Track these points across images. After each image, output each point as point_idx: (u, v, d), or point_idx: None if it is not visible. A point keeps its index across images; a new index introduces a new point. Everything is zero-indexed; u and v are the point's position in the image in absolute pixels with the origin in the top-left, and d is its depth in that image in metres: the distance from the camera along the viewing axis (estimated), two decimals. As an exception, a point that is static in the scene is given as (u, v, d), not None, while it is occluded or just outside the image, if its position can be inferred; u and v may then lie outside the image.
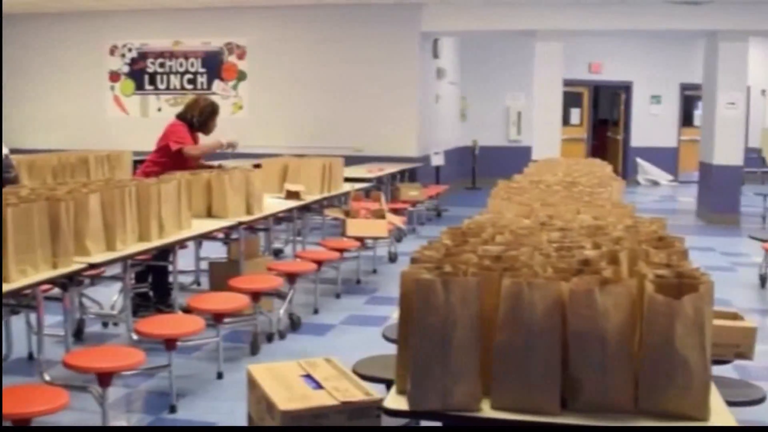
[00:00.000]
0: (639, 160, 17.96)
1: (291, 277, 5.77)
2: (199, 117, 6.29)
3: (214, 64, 12.90)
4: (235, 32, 12.80)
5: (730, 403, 3.10)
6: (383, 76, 12.36)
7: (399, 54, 12.35)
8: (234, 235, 5.90)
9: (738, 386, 3.55)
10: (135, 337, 4.52)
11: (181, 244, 5.39)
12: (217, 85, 12.89)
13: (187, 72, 13.01)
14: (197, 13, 12.60)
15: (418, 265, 2.26)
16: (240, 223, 5.58)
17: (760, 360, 5.18)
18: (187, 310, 4.90)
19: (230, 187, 5.55)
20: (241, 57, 12.84)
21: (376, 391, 2.64)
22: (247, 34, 12.80)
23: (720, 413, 2.03)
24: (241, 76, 12.83)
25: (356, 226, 7.12)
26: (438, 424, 2.17)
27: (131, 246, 4.42)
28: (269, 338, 5.50)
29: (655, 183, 17.80)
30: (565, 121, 15.07)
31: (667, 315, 1.95)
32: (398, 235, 8.89)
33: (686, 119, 18.16)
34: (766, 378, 4.93)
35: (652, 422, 1.99)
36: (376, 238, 7.62)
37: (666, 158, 17.94)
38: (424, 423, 2.48)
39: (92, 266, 4.11)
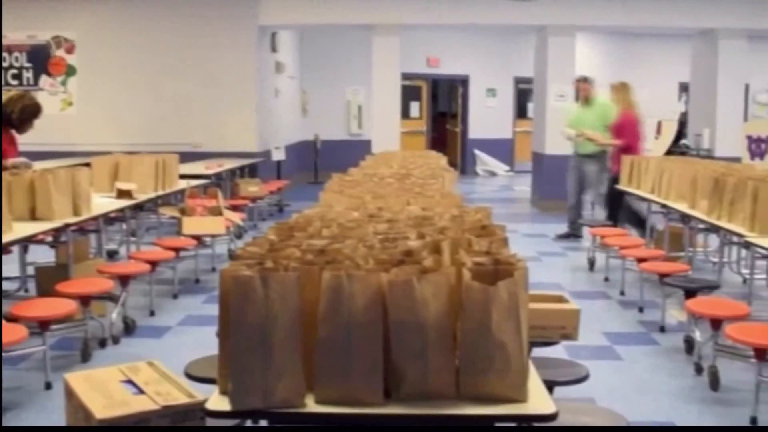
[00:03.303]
0: (477, 152, 18.49)
1: (123, 279, 5.57)
2: (20, 115, 5.99)
3: (40, 59, 12.30)
4: (63, 25, 12.25)
5: (557, 383, 3.23)
6: (221, 71, 12.17)
7: (236, 48, 12.19)
8: (62, 238, 5.63)
9: (564, 366, 3.68)
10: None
11: (5, 249, 5.08)
12: (44, 80, 12.31)
13: (11, 67, 12.35)
14: (22, 5, 11.94)
15: (239, 262, 2.21)
16: (67, 225, 5.32)
17: (590, 339, 5.47)
18: (11, 319, 4.64)
19: (55, 187, 5.26)
20: (69, 51, 12.32)
21: (206, 392, 2.57)
22: (76, 27, 12.28)
23: (538, 394, 2.08)
24: (70, 71, 12.31)
25: (192, 224, 6.96)
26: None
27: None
28: (102, 344, 5.29)
29: (493, 173, 18.37)
30: (405, 114, 15.30)
31: (483, 301, 1.99)
32: (238, 232, 8.76)
33: (520, 111, 18.84)
34: (593, 357, 5.18)
35: (473, 407, 2.01)
36: (213, 236, 7.48)
37: (502, 149, 18.57)
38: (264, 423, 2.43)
39: None
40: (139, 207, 6.79)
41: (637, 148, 8.92)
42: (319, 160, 15.83)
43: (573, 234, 9.56)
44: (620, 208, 8.60)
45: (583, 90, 9.74)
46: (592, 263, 7.98)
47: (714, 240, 7.27)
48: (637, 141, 8.94)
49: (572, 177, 9.61)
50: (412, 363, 2.01)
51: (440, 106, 19.90)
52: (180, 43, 12.16)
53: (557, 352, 4.26)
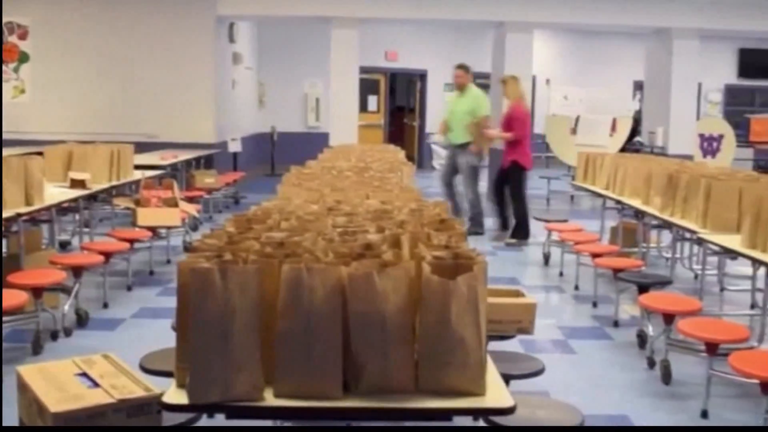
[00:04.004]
0: (434, 146, 18.52)
1: (76, 271, 5.49)
2: None
3: (-9, 45, 12.06)
4: (16, 11, 12.00)
5: (513, 376, 3.26)
6: (178, 61, 12.04)
7: (194, 38, 12.07)
8: (13, 228, 5.52)
9: (520, 360, 3.72)
10: None
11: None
12: (-5, 67, 12.06)
13: (-39, 53, 12.09)
14: (-29, -10, 11.71)
15: (197, 254, 2.18)
16: (18, 215, 5.22)
17: (544, 333, 5.52)
18: (-41, 311, 4.54)
19: (6, 176, 5.18)
20: (22, 37, 12.09)
21: (162, 385, 2.54)
22: (29, 13, 12.06)
23: (496, 388, 2.09)
24: (23, 57, 12.08)
25: (147, 216, 6.88)
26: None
27: None
28: (54, 336, 5.20)
29: (450, 168, 18.38)
30: (363, 107, 15.29)
31: (443, 295, 1.99)
32: (193, 224, 8.68)
33: (478, 107, 18.87)
34: (548, 350, 5.23)
35: (432, 400, 2.02)
36: (169, 228, 7.40)
37: (459, 144, 18.59)
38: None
39: None
40: (92, 197, 6.70)
41: (527, 140, 9.05)
42: (275, 153, 15.74)
43: (475, 231, 9.24)
44: (504, 200, 8.86)
45: (456, 77, 9.67)
46: (547, 258, 8.05)
47: (667, 236, 7.38)
48: (526, 133, 9.09)
49: (446, 167, 9.70)
50: (371, 356, 2.00)
51: (398, 100, 19.90)
52: (136, 32, 12.00)
53: (513, 345, 4.30)
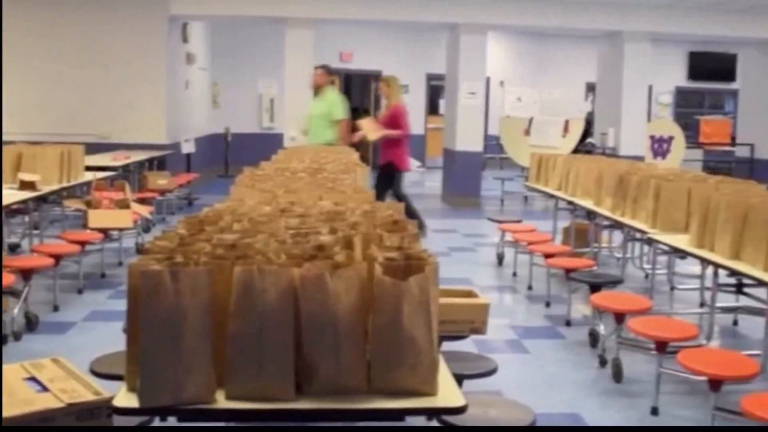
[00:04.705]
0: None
1: (26, 274, 5.40)
2: None
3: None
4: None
5: (466, 376, 3.28)
6: (130, 61, 11.90)
7: (146, 37, 11.94)
8: (-40, 230, 5.43)
9: (473, 360, 3.75)
10: None
11: None
12: (-60, 67, 11.78)
13: None
14: None
15: (148, 256, 2.17)
16: (-35, 217, 5.14)
17: (498, 333, 5.56)
18: None
19: (-47, 177, 5.09)
20: (-32, 38, 11.82)
21: (113, 389, 2.52)
22: (-25, 12, 11.81)
23: (447, 387, 2.11)
24: (-30, 58, 11.81)
25: (99, 217, 6.80)
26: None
27: None
28: (3, 340, 5.11)
29: (405, 169, 18.43)
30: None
31: (394, 296, 2.00)
32: (145, 226, 8.59)
33: (432, 108, 19.01)
34: (502, 350, 5.28)
35: (384, 400, 2.03)
36: (120, 229, 7.31)
37: (414, 145, 18.61)
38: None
39: None
40: (42, 199, 6.60)
41: (407, 139, 9.17)
42: (229, 154, 15.64)
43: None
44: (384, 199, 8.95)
45: (314, 76, 9.55)
46: (500, 258, 8.12)
47: (618, 236, 7.49)
48: (407, 132, 9.20)
49: None
50: (323, 358, 2.01)
51: (353, 101, 19.87)
52: (88, 31, 11.84)
53: (467, 345, 4.33)
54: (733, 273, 4.59)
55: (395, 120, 9.05)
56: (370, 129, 9.21)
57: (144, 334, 1.96)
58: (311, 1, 12.15)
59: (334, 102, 9.26)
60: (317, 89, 9.46)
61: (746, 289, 5.40)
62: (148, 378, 1.96)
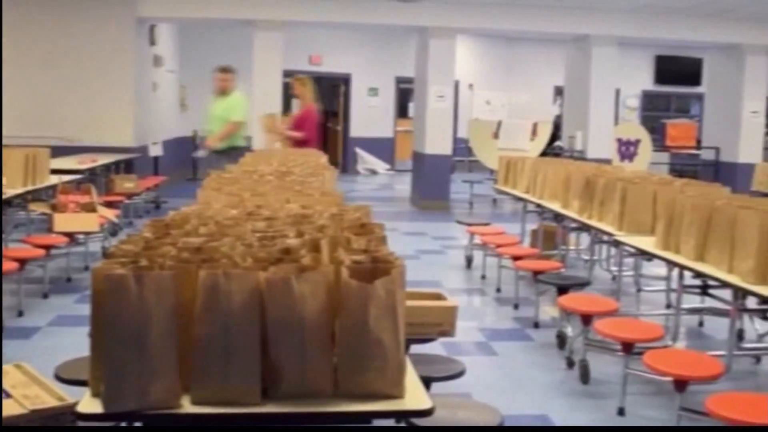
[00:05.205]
0: (358, 150, 18.58)
1: (-11, 278, 5.32)
2: None
3: None
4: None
5: (434, 379, 3.28)
6: (96, 63, 11.79)
7: (113, 40, 11.84)
8: None
9: (441, 362, 3.75)
10: None
11: None
12: None
13: None
14: None
15: (112, 260, 2.14)
16: (-73, 221, 5.06)
17: (466, 335, 5.58)
18: None
19: None
20: (-68, 38, 11.65)
21: (78, 395, 2.49)
22: (-62, 12, 11.63)
23: (415, 390, 2.11)
24: (-67, 59, 11.64)
25: (64, 221, 6.72)
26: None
27: None
28: (-34, 346, 5.04)
29: (374, 172, 18.50)
30: (286, 111, 15.18)
31: (361, 299, 2.00)
32: (112, 230, 8.50)
33: (401, 111, 19.05)
34: (470, 352, 5.29)
35: (351, 404, 2.02)
36: (87, 233, 7.23)
37: (383, 148, 18.71)
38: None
39: None
40: (6, 202, 6.50)
41: (315, 140, 9.20)
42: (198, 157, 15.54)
43: None
44: None
45: (217, 80, 9.53)
46: (469, 261, 8.14)
47: (585, 238, 7.54)
48: (315, 134, 9.28)
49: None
50: (290, 361, 2.00)
51: (322, 104, 19.86)
52: (54, 32, 11.71)
53: (435, 348, 4.34)
54: (698, 275, 4.64)
55: (303, 122, 9.05)
56: (267, 126, 9.18)
57: (108, 338, 1.94)
58: (280, 3, 12.13)
59: (236, 102, 9.18)
60: (223, 92, 9.39)
61: (711, 291, 5.46)
62: (113, 383, 1.94)
